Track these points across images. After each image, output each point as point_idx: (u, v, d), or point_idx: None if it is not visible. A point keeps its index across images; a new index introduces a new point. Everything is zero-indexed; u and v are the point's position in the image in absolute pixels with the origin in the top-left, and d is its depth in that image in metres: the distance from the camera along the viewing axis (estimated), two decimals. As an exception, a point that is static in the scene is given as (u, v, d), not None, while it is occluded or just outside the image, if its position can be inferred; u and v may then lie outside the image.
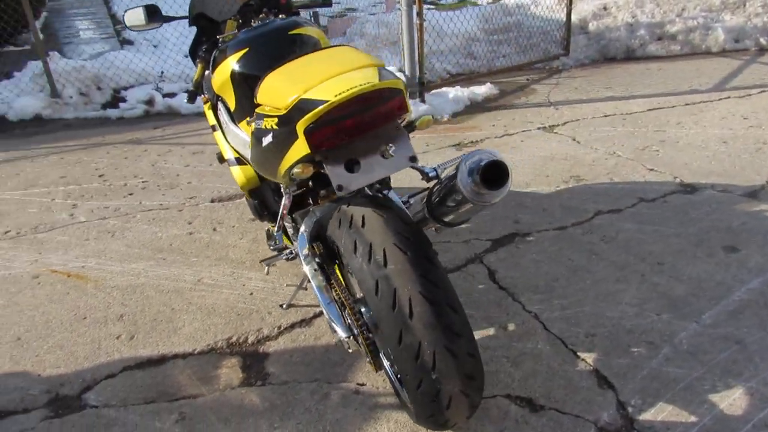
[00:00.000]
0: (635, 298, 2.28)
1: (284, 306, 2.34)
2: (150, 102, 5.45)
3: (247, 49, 1.94)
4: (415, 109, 4.59)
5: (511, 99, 5.06)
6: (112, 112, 5.36)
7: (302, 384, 1.96)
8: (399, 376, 1.68)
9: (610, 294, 2.32)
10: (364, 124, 1.22)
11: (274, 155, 1.39)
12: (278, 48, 1.93)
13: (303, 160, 1.35)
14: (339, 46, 1.52)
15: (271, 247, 1.67)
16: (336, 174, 1.29)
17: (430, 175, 1.66)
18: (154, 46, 6.78)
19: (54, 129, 4.98)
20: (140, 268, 2.69)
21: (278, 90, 1.36)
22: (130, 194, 3.51)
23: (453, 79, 5.58)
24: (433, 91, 5.04)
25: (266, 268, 2.28)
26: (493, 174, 1.30)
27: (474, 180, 1.28)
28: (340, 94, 1.18)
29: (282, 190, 1.70)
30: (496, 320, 2.21)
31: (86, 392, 1.99)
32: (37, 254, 2.87)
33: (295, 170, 1.33)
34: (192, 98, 2.32)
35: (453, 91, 4.98)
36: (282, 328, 2.25)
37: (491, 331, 2.16)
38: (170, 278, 2.60)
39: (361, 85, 1.18)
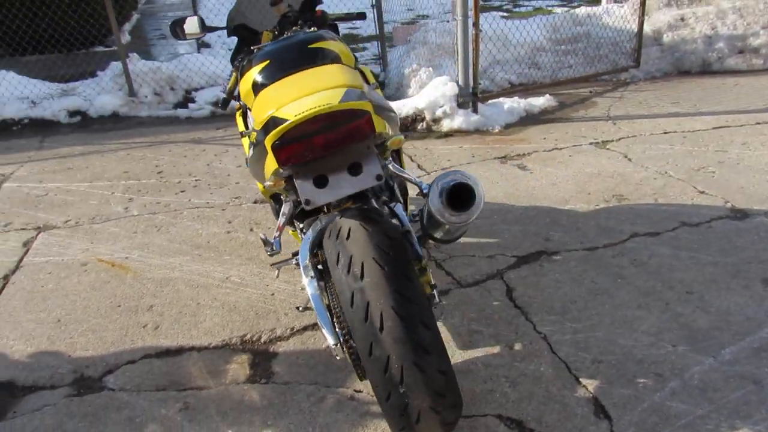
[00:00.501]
0: (653, 327, 2.20)
1: (300, 308, 2.41)
2: (217, 103, 5.72)
3: (268, 61, 2.03)
4: (466, 119, 4.58)
5: (569, 112, 4.95)
6: (181, 112, 5.67)
7: (302, 386, 2.03)
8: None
9: (627, 321, 2.25)
10: (328, 142, 1.26)
11: (257, 167, 1.46)
12: (295, 61, 2.00)
13: (276, 174, 1.42)
14: (331, 65, 1.57)
15: (268, 253, 1.75)
16: (304, 189, 1.34)
17: (425, 191, 1.69)
18: (230, 50, 7.10)
19: (128, 126, 5.33)
20: (177, 263, 2.86)
21: (263, 104, 1.43)
22: (182, 191, 3.72)
23: (512, 90, 5.51)
24: (489, 102, 5.01)
25: (276, 271, 2.36)
26: (461, 197, 1.31)
27: (441, 202, 1.30)
28: (301, 113, 1.23)
29: (282, 198, 1.77)
30: (503, 338, 2.20)
31: (107, 375, 2.14)
32: (89, 243, 3.11)
33: (267, 183, 1.39)
34: (225, 105, 2.44)
35: (509, 102, 4.93)
36: (294, 330, 2.33)
37: (496, 349, 2.14)
38: (201, 274, 2.75)
39: (319, 106, 1.23)
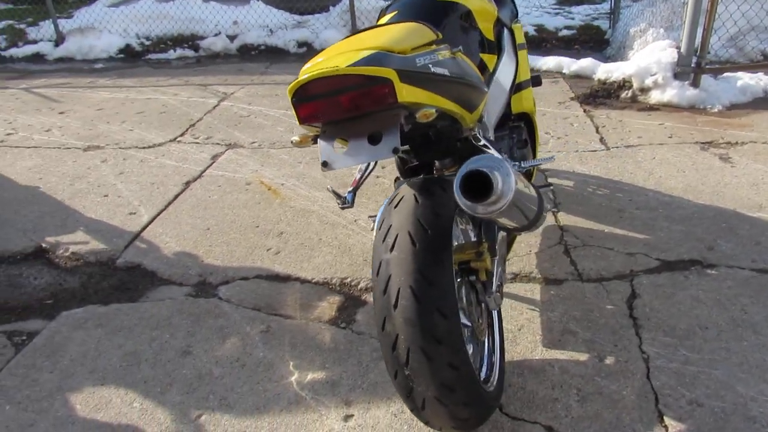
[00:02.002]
0: (794, 384, 1.76)
1: None
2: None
3: (396, 12, 1.98)
4: (680, 93, 3.96)
5: (827, 98, 3.98)
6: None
7: (371, 340, 2.06)
8: None
9: (762, 367, 1.83)
10: (338, 105, 1.19)
11: None
12: (417, 14, 1.92)
13: (304, 131, 1.40)
14: (407, 23, 1.46)
15: (340, 206, 1.76)
16: (324, 150, 1.30)
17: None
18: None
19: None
20: (320, 197, 3.04)
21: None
22: (356, 130, 3.89)
23: (759, 64, 4.58)
24: (724, 75, 4.24)
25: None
26: (478, 184, 1.17)
27: (458, 188, 1.17)
28: (310, 74, 1.18)
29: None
30: (597, 347, 1.95)
31: (222, 285, 2.42)
32: (260, 165, 3.45)
33: (294, 138, 1.38)
34: None
35: (746, 78, 4.12)
36: (390, 284, 2.35)
37: (583, 357, 1.92)
38: (335, 212, 2.89)
39: (326, 68, 1.16)
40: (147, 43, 6.60)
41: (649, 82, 4.09)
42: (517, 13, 2.48)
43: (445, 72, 1.34)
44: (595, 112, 3.99)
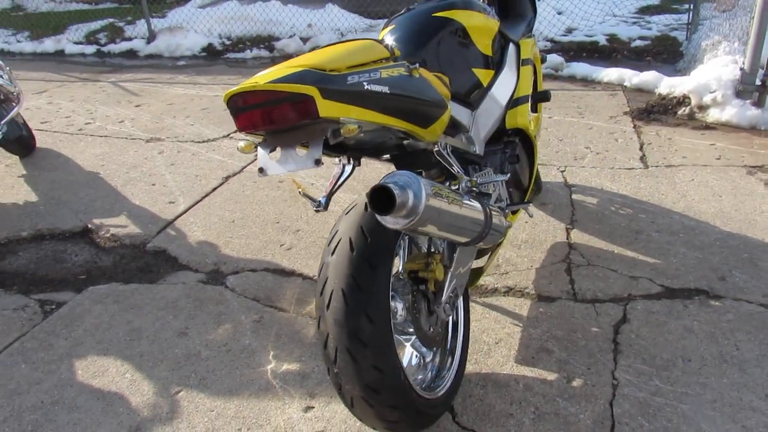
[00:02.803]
0: (762, 427, 1.67)
1: None
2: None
3: (393, 26, 2.04)
4: (740, 112, 3.73)
5: None
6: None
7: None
8: None
9: (735, 407, 1.74)
10: (259, 119, 1.28)
11: None
12: (411, 29, 1.98)
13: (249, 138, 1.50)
14: (360, 41, 1.53)
15: (315, 209, 1.85)
16: (261, 157, 1.40)
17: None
18: None
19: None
20: (343, 198, 3.15)
21: None
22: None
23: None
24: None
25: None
26: (384, 199, 1.23)
27: (369, 202, 1.24)
28: (240, 87, 1.27)
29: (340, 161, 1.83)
30: (569, 368, 1.93)
31: (231, 275, 2.58)
32: (296, 165, 3.61)
33: (239, 145, 1.48)
34: None
35: (820, 100, 3.82)
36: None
37: (551, 376, 1.91)
38: (353, 214, 2.99)
39: (249, 83, 1.24)
40: (227, 42, 7.01)
41: (707, 99, 3.88)
42: (531, 28, 2.48)
43: (384, 89, 1.40)
44: (645, 129, 3.84)
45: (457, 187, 1.68)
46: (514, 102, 2.17)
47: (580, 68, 5.13)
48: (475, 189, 1.69)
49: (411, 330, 1.66)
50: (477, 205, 1.55)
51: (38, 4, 9.13)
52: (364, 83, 1.36)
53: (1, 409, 1.93)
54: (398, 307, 1.61)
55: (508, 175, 1.96)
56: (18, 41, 7.63)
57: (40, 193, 3.46)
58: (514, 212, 2.24)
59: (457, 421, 1.78)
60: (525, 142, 2.25)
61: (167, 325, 2.28)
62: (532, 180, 2.31)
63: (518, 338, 2.09)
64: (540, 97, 2.35)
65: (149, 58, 6.99)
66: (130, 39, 7.34)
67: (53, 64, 6.91)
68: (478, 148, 2.03)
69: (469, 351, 1.95)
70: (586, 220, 2.79)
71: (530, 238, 2.69)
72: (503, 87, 2.16)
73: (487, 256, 2.10)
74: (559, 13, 6.59)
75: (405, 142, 1.72)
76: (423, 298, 1.68)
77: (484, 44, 2.10)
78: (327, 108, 1.28)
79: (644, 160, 3.38)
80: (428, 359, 1.77)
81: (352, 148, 1.64)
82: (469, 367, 1.97)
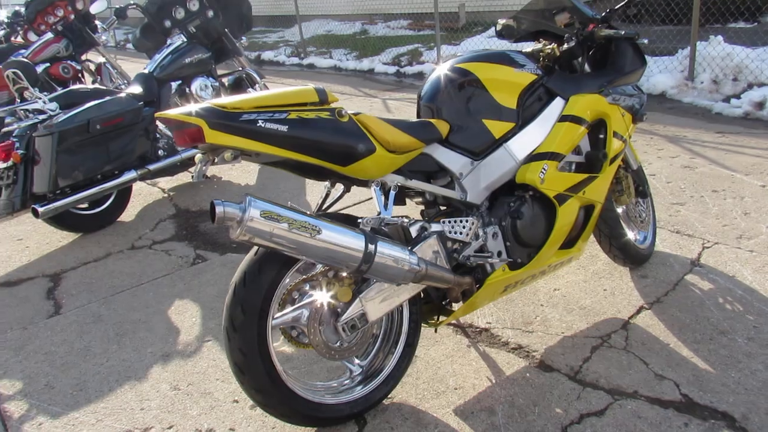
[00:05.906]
0: None
1: None
2: (761, 105, 4.88)
3: (435, 67, 2.23)
4: None
5: None
6: (717, 106, 5.13)
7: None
8: None
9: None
10: (182, 138, 1.62)
11: None
12: (434, 75, 2.14)
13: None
14: (305, 87, 1.75)
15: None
16: (196, 166, 1.76)
17: None
18: None
19: (658, 109, 5.27)
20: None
21: None
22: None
23: None
24: None
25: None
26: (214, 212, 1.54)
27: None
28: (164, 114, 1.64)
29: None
30: (492, 435, 1.86)
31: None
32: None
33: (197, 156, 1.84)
34: None
35: None
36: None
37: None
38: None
39: (170, 114, 1.60)
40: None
41: None
42: (604, 86, 2.28)
43: (282, 128, 1.66)
44: None
45: (365, 219, 1.82)
46: (533, 157, 2.09)
47: None
48: (383, 228, 1.81)
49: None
50: (349, 238, 1.69)
51: (378, 29, 10.90)
52: (260, 121, 1.66)
53: (117, 323, 2.78)
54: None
55: (441, 226, 1.96)
56: (347, 59, 9.32)
57: (260, 178, 4.46)
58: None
59: (358, 437, 1.92)
60: (543, 200, 2.13)
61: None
62: (552, 241, 2.15)
63: (477, 392, 2.05)
64: (592, 159, 2.21)
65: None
66: (422, 62, 8.29)
67: (359, 80, 8.28)
68: (469, 196, 2.06)
69: (420, 385, 2.03)
70: (673, 304, 2.41)
71: (591, 306, 2.46)
72: (524, 140, 2.11)
73: (461, 302, 2.09)
74: None
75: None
76: (331, 312, 1.86)
77: (503, 97, 2.10)
78: (213, 136, 1.63)
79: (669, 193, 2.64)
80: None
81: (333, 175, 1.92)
82: (412, 399, 2.05)
